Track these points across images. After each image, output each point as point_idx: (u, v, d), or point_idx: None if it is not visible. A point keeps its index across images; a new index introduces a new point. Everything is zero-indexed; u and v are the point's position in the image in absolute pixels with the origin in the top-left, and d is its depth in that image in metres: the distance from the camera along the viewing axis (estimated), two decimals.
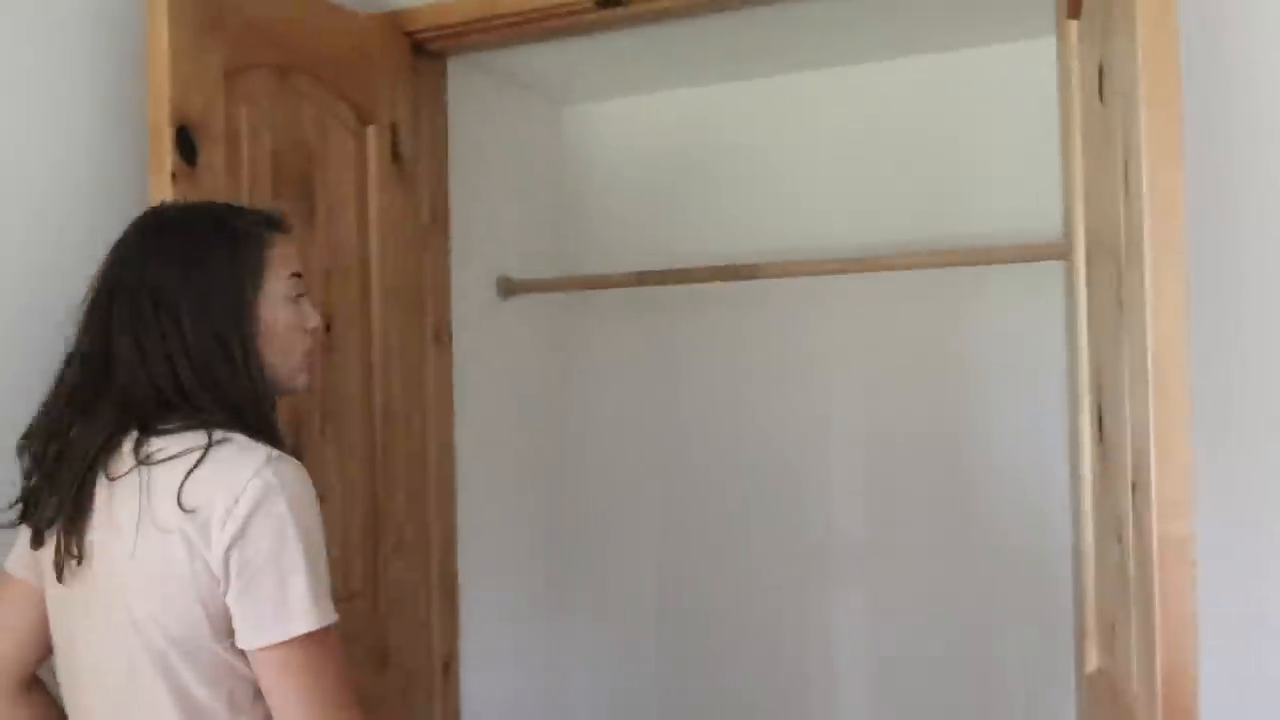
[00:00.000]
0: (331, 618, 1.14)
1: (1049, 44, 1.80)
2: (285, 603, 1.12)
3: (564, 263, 2.73)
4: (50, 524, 1.19)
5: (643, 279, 2.43)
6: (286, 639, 1.11)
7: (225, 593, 1.12)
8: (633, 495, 2.72)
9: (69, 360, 1.24)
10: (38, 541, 1.21)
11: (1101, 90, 1.36)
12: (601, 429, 2.77)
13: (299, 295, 1.29)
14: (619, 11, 1.88)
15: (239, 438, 1.17)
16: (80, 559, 1.17)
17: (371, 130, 1.89)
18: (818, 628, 2.52)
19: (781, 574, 2.54)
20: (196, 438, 1.15)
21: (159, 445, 1.16)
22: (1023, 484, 2.28)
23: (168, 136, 1.53)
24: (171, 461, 1.14)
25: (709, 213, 2.63)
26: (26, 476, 1.24)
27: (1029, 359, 2.24)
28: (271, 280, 1.25)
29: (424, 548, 2.10)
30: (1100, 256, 1.44)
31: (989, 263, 2.13)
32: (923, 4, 2.04)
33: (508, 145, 2.55)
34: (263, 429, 1.22)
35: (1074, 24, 1.59)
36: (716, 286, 2.53)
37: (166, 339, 1.19)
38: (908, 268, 2.23)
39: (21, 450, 1.25)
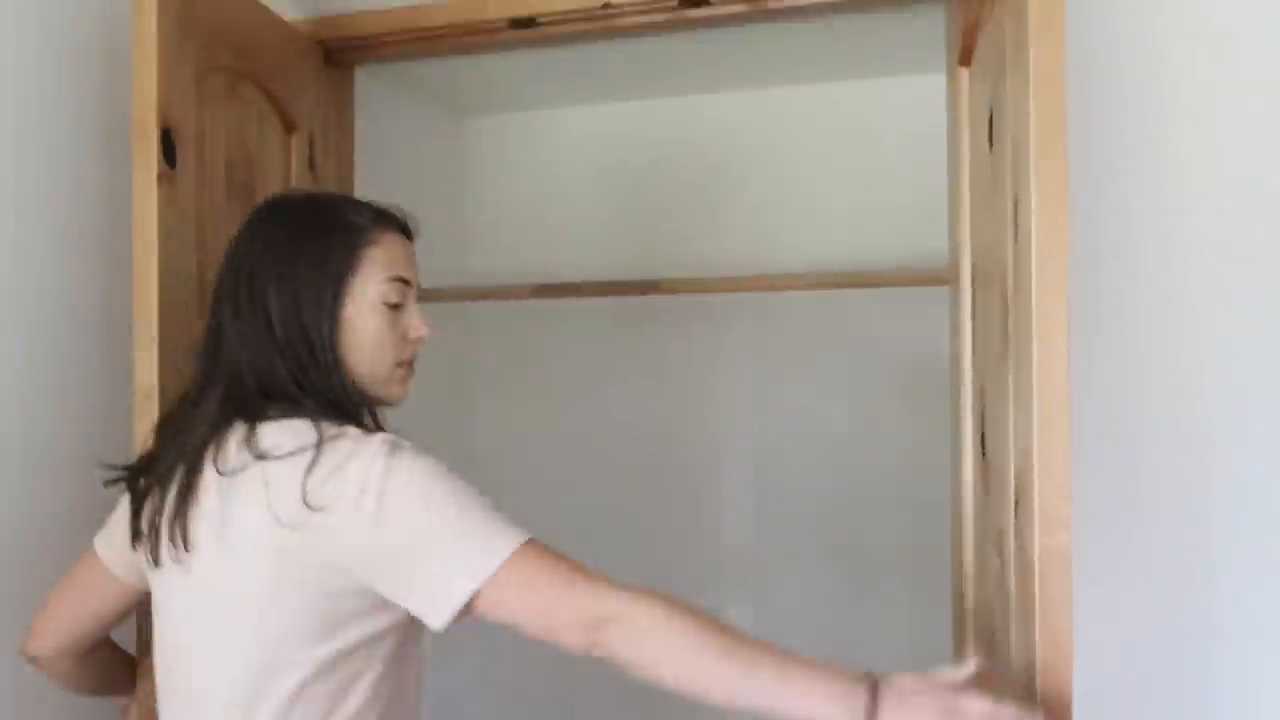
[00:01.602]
0: (512, 545, 1.09)
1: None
2: (456, 566, 1.08)
3: (467, 274, 2.75)
4: (149, 508, 1.18)
5: (541, 292, 2.48)
6: (470, 595, 1.08)
7: (375, 584, 1.10)
8: (525, 505, 2.73)
9: (195, 348, 1.24)
10: (136, 524, 1.20)
11: (991, 135, 1.46)
12: (497, 439, 2.80)
13: (397, 303, 1.22)
14: (531, 32, 1.93)
15: (352, 430, 1.14)
16: (187, 547, 1.15)
17: (295, 139, 1.89)
18: None
19: (673, 585, 2.59)
20: (307, 431, 1.13)
21: (272, 440, 1.13)
22: (907, 497, 2.41)
23: (155, 138, 1.50)
24: (290, 458, 1.11)
25: (612, 227, 2.69)
26: (147, 454, 1.24)
27: (917, 376, 2.36)
28: (363, 281, 1.20)
29: None
30: (985, 285, 1.55)
31: (877, 285, 2.24)
32: (824, 34, 2.15)
33: (413, 155, 2.57)
34: (363, 423, 1.20)
35: (964, 70, 1.70)
36: (613, 301, 2.59)
37: (260, 327, 1.17)
38: (800, 288, 2.33)
39: (152, 433, 1.26)
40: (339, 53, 2.01)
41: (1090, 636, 1.28)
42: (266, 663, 1.12)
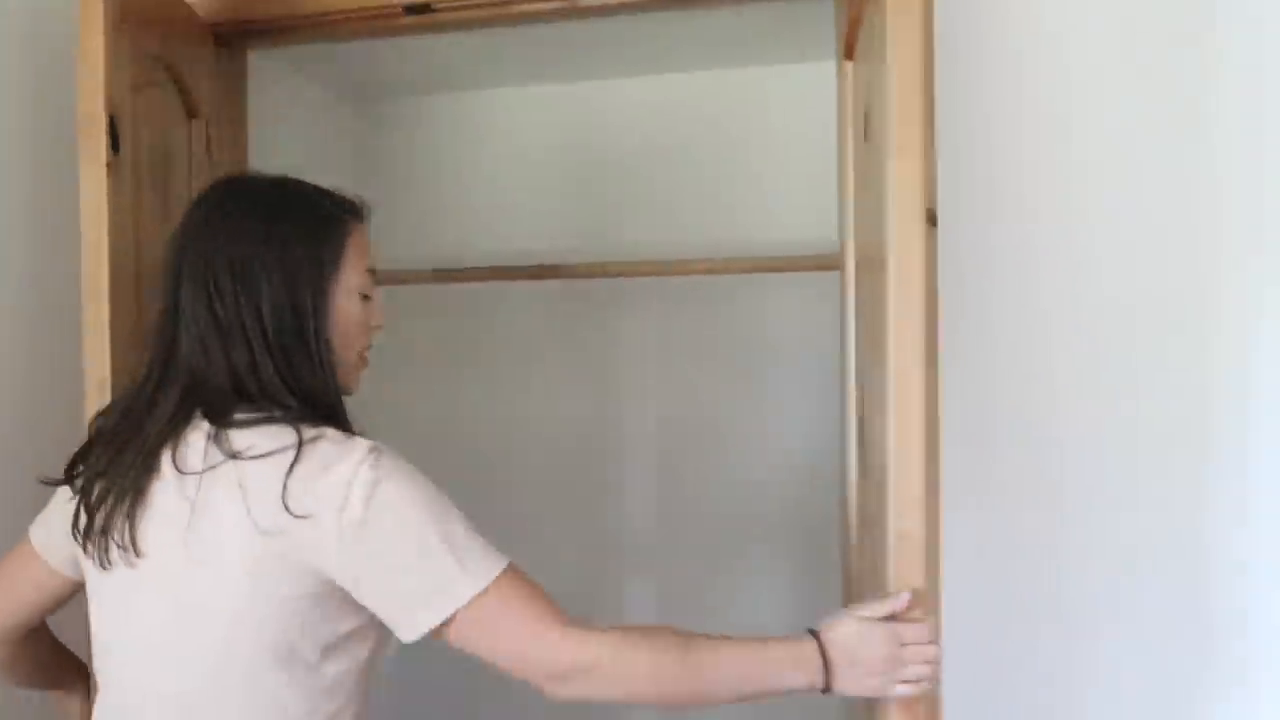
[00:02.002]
0: (492, 574, 1.08)
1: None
2: (435, 584, 1.07)
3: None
4: (98, 508, 1.13)
5: (440, 276, 2.47)
6: (446, 618, 1.07)
7: (353, 590, 1.08)
8: (457, 486, 2.75)
9: (146, 338, 1.19)
10: (78, 525, 1.15)
11: (866, 129, 1.50)
12: (397, 424, 2.79)
13: (367, 294, 1.23)
14: (426, 18, 1.92)
15: (330, 432, 1.11)
16: (138, 551, 1.12)
17: (195, 124, 1.87)
18: (610, 619, 2.63)
19: (574, 567, 2.63)
20: (284, 433, 1.09)
21: (246, 440, 1.09)
22: (802, 480, 2.46)
23: (103, 125, 1.48)
24: (268, 459, 1.07)
25: (510, 211, 2.70)
26: (84, 447, 1.19)
27: (816, 361, 2.41)
28: (347, 269, 1.19)
29: None
30: (867, 270, 1.59)
31: (770, 270, 2.28)
32: (725, 20, 2.17)
33: (307, 140, 2.54)
34: (337, 422, 1.15)
35: (849, 63, 1.74)
36: (516, 285, 2.61)
37: (244, 314, 1.12)
38: (697, 273, 2.36)
39: (92, 424, 1.21)
40: (233, 36, 1.99)
41: (958, 621, 1.33)
42: (238, 665, 1.09)
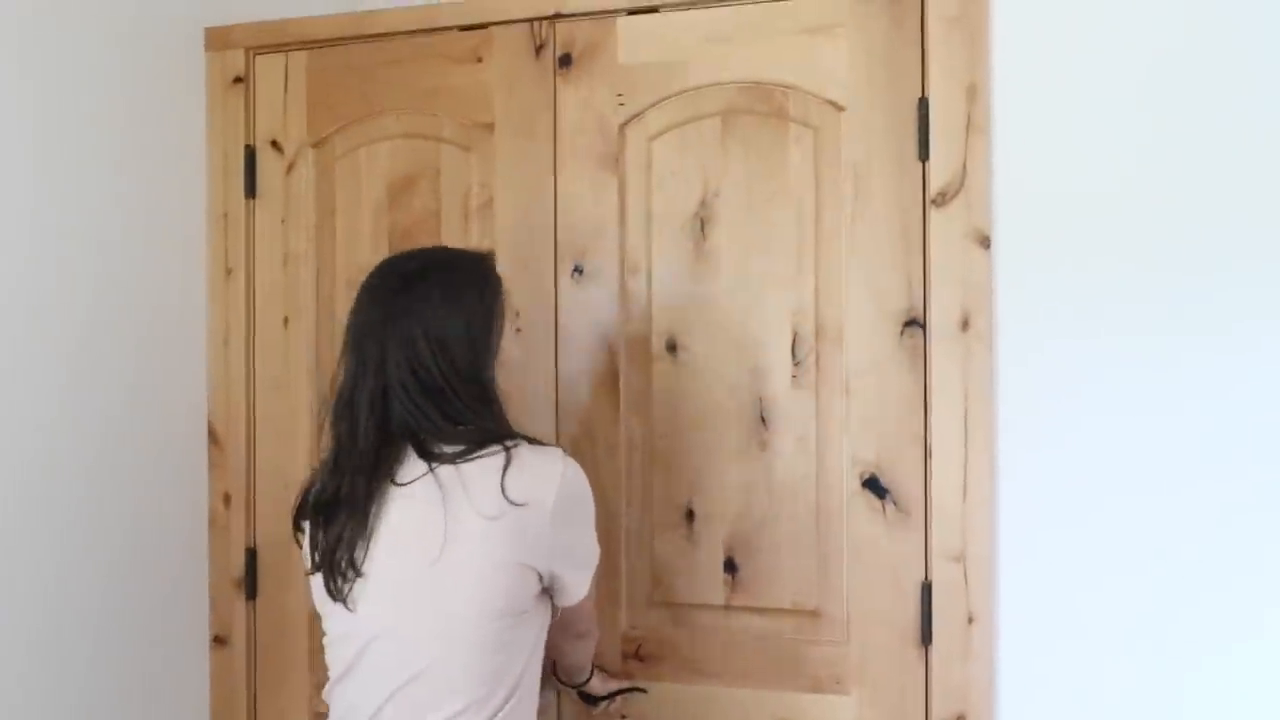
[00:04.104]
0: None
1: None
2: (591, 565, 1.46)
3: None
4: (335, 547, 1.36)
5: None
6: (578, 598, 1.47)
7: (548, 566, 1.38)
8: None
9: (339, 408, 1.40)
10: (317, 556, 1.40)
11: None
12: None
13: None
14: None
15: (524, 442, 1.39)
16: (358, 573, 1.36)
17: None
18: None
19: None
20: (490, 444, 1.36)
21: (454, 449, 1.36)
22: None
23: None
24: (480, 460, 1.34)
25: None
26: (312, 540, 1.41)
27: None
28: (501, 322, 1.48)
29: None
30: None
31: None
32: None
33: None
34: (513, 437, 1.40)
35: None
36: None
37: (443, 375, 1.37)
38: None
39: (309, 505, 1.43)
40: None
41: None
42: (483, 637, 1.34)
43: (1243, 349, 1.55)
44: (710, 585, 1.77)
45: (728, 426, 1.77)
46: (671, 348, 1.80)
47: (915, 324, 1.68)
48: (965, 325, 1.65)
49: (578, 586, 1.44)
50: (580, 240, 1.85)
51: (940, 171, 1.67)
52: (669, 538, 1.79)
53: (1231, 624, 1.54)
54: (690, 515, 1.78)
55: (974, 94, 1.66)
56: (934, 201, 1.67)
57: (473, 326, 1.40)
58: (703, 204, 1.79)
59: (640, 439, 1.81)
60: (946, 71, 1.67)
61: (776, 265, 1.76)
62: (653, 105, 1.82)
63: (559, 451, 1.41)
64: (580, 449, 1.82)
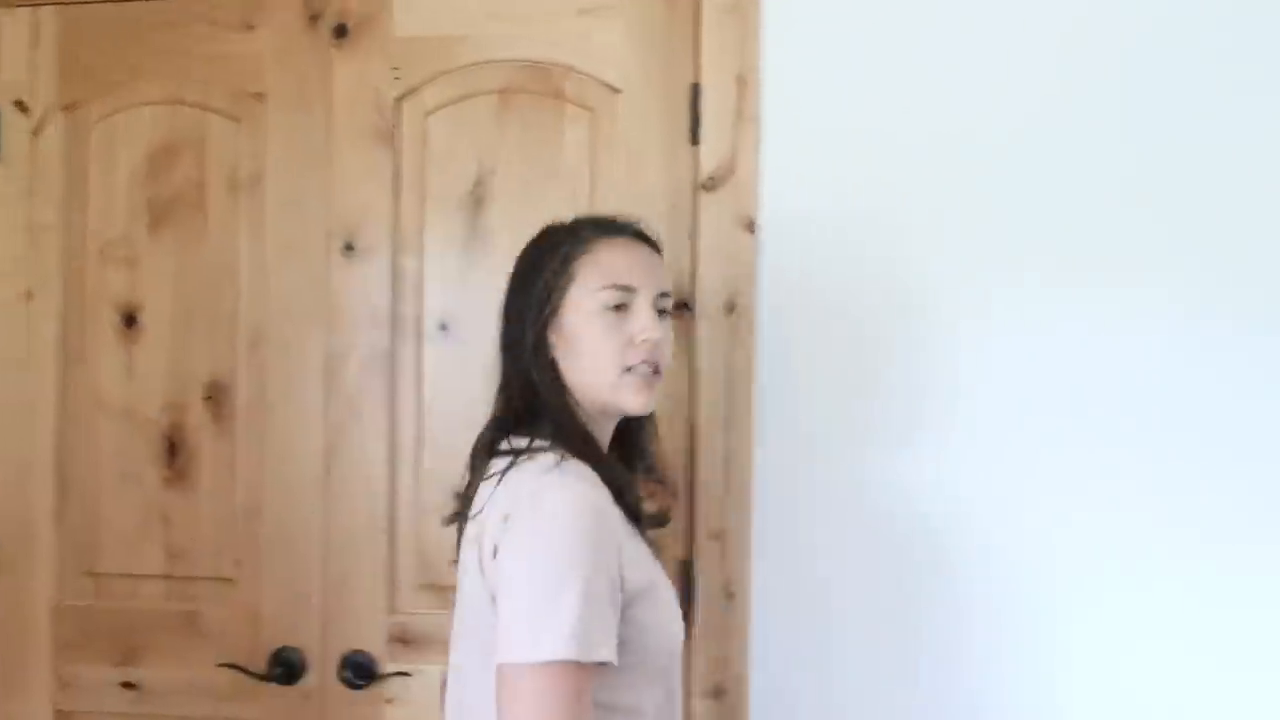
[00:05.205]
0: (556, 654, 1.05)
1: None
2: (504, 627, 1.09)
3: None
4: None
5: None
6: (502, 660, 1.08)
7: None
8: None
9: None
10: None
11: None
12: None
13: (620, 305, 1.21)
14: None
15: (546, 456, 1.17)
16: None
17: None
18: None
19: None
20: (519, 445, 1.20)
21: (499, 463, 1.21)
22: None
23: None
24: (494, 476, 1.18)
25: None
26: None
27: None
28: (578, 290, 1.22)
29: None
30: None
31: None
32: None
33: None
34: (580, 446, 1.19)
35: None
36: None
37: (513, 355, 1.25)
38: None
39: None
40: None
41: None
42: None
43: (1003, 332, 1.63)
44: None
45: None
46: (444, 327, 1.77)
47: (684, 306, 1.70)
48: (731, 308, 1.68)
49: (502, 630, 1.10)
50: (353, 217, 1.79)
51: (710, 157, 1.70)
52: (439, 520, 1.75)
53: (966, 599, 1.63)
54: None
55: (744, 82, 1.69)
56: (704, 186, 1.70)
57: (525, 304, 1.28)
58: (479, 182, 1.77)
59: (412, 420, 1.77)
60: (719, 59, 1.70)
61: None
62: (430, 80, 1.78)
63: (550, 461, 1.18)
64: (349, 433, 1.77)
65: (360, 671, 1.74)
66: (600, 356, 1.20)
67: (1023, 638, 1.61)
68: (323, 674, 1.77)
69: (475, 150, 1.77)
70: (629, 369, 1.21)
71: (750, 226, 1.69)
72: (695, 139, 1.71)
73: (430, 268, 1.78)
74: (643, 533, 1.23)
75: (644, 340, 1.21)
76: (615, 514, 1.15)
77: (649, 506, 1.30)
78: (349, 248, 1.79)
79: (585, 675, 1.06)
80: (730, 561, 1.67)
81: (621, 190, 1.73)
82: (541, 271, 1.23)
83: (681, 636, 1.25)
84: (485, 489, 1.19)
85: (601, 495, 1.15)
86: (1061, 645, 1.60)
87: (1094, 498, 1.59)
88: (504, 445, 1.22)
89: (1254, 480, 1.56)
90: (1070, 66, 1.61)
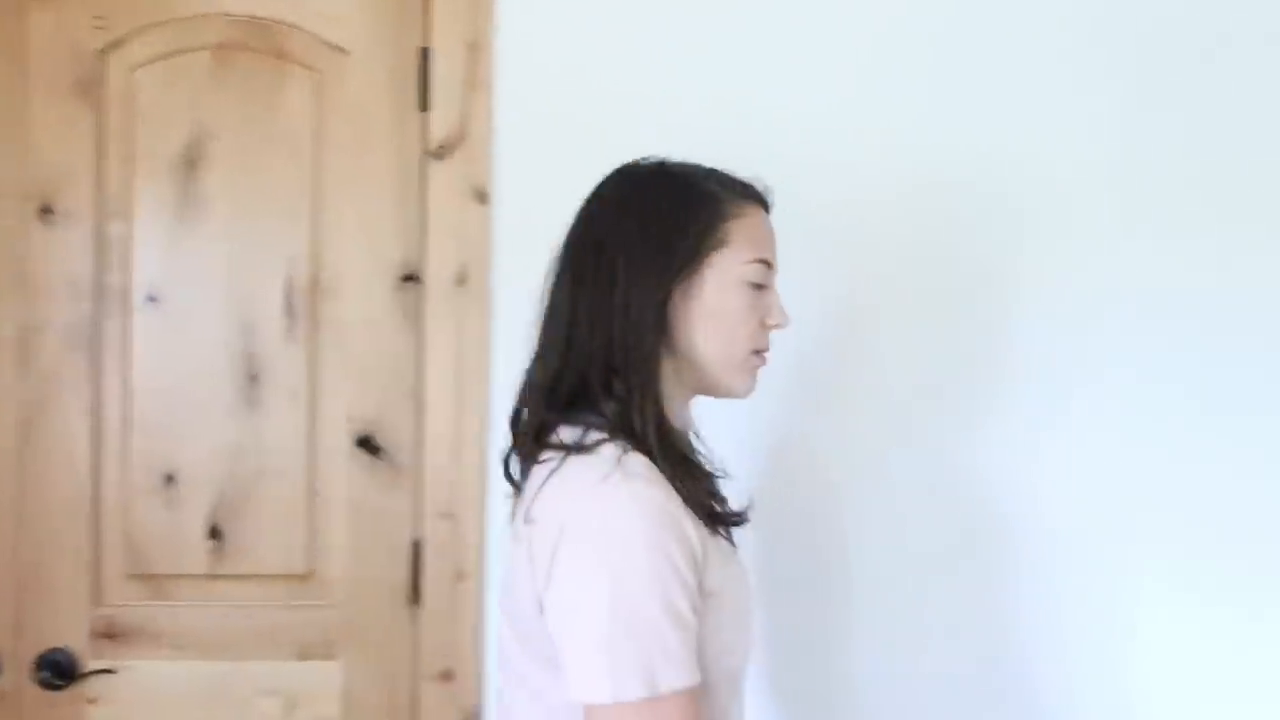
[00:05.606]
0: (634, 693, 0.92)
1: None
2: (579, 661, 0.95)
3: None
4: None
5: None
6: (583, 699, 0.95)
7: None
8: None
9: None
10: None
11: None
12: None
13: (761, 285, 1.09)
14: None
15: (609, 449, 0.99)
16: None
17: None
18: None
19: None
20: (573, 435, 1.02)
21: (556, 435, 1.04)
22: None
23: None
24: (546, 463, 1.02)
25: None
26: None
27: None
28: (728, 256, 1.07)
29: None
30: None
31: None
32: None
33: None
34: (660, 428, 1.02)
35: None
36: None
37: (602, 297, 1.04)
38: None
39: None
40: None
41: None
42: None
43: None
44: (192, 554, 1.64)
45: (215, 384, 1.65)
46: (154, 299, 1.65)
47: (413, 278, 1.64)
48: (462, 280, 1.64)
49: (571, 670, 0.97)
50: (51, 178, 1.65)
51: (441, 124, 1.64)
52: (148, 504, 1.64)
53: (785, 576, 1.64)
54: (171, 479, 1.64)
55: (477, 48, 1.64)
56: (434, 154, 1.64)
57: (648, 255, 1.09)
58: (193, 144, 1.65)
59: (118, 398, 1.65)
60: (450, 23, 1.65)
61: (271, 214, 1.66)
62: (137, 32, 1.65)
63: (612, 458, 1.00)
64: (48, 411, 1.63)
65: (59, 671, 1.61)
66: (737, 332, 1.08)
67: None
68: (17, 675, 1.63)
69: (189, 110, 1.65)
70: (757, 352, 1.11)
71: (482, 197, 1.64)
72: (425, 105, 1.65)
73: (139, 234, 1.66)
74: (715, 532, 1.06)
75: (775, 324, 1.12)
76: (687, 514, 1.00)
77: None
78: (47, 211, 1.64)
79: (693, 699, 0.96)
80: (461, 542, 1.63)
81: (348, 156, 1.65)
82: (685, 224, 1.07)
83: (746, 660, 1.09)
84: (539, 474, 1.03)
85: (670, 495, 0.99)
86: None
87: (1083, 495, 1.59)
88: (554, 438, 1.04)
89: None
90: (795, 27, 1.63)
